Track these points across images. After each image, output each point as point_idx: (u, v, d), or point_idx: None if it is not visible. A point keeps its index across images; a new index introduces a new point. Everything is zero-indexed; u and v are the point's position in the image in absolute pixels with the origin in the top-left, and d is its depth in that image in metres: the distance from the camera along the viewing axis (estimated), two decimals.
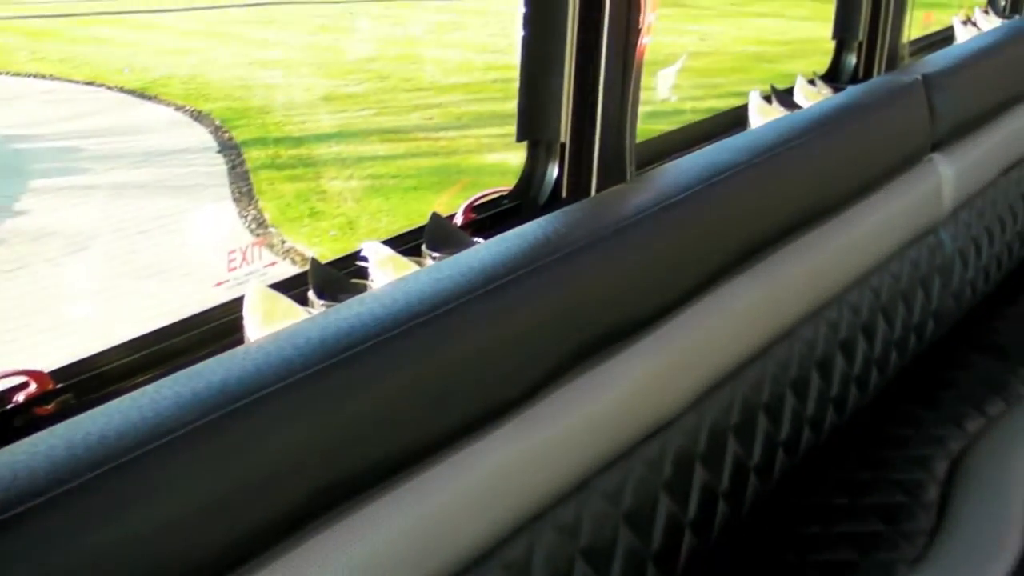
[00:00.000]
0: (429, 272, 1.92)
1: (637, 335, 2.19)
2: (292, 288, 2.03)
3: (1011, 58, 4.12)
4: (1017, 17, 4.86)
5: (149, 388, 1.53)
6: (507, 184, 2.57)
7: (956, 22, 4.51)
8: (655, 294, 2.25)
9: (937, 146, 3.45)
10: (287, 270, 6.18)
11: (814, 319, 2.81)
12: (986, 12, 4.76)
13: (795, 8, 13.82)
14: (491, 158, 8.53)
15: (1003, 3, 5.02)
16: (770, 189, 2.65)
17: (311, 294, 2.02)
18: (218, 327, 1.98)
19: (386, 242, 2.20)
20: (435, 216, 2.28)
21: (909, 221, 3.27)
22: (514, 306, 1.92)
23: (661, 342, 2.25)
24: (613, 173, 2.48)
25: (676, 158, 2.69)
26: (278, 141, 8.88)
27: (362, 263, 2.13)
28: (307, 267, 2.05)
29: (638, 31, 2.52)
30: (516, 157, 2.64)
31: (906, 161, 3.28)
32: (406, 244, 2.25)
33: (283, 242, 7.16)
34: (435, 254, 2.20)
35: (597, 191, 2.46)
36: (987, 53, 3.99)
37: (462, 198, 2.46)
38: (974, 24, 4.56)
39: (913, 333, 3.32)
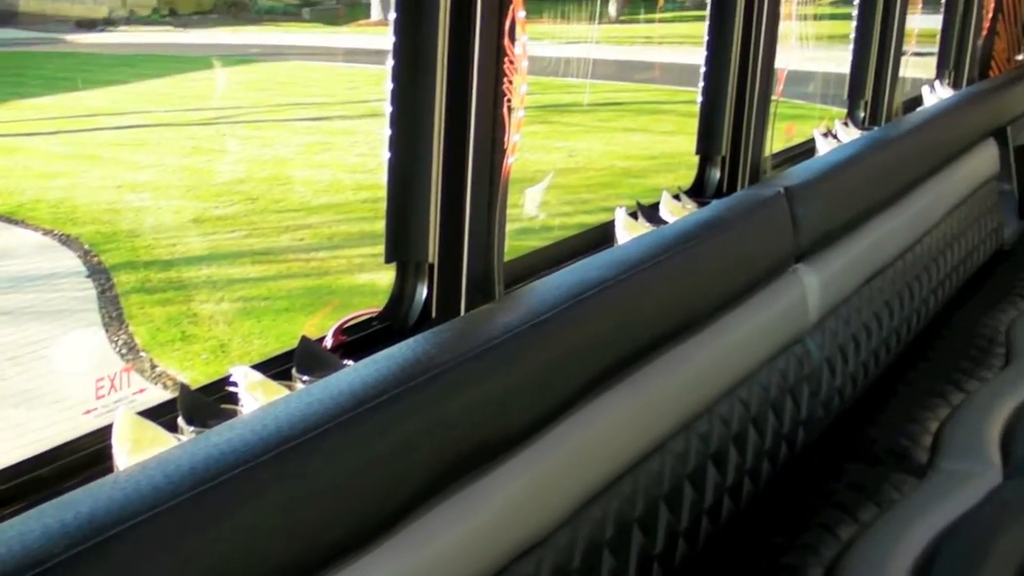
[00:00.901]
0: (299, 396, 1.98)
1: (509, 453, 2.27)
2: (161, 415, 2.08)
3: (871, 169, 4.37)
4: (876, 128, 5.16)
5: (16, 520, 1.56)
6: (378, 304, 2.66)
7: (817, 134, 4.77)
8: (526, 412, 2.34)
9: (801, 257, 3.65)
10: (158, 395, 6.17)
11: (685, 432, 2.93)
12: (846, 124, 5.06)
13: (661, 123, 14.37)
14: (363, 278, 8.66)
15: (862, 115, 5.33)
16: (638, 305, 2.78)
17: (181, 421, 2.07)
18: (86, 456, 2.01)
19: (256, 366, 2.27)
20: (305, 339, 2.35)
21: (776, 331, 3.43)
22: (385, 428, 1.99)
23: (533, 459, 2.33)
24: (482, 292, 2.59)
25: (545, 276, 2.81)
26: (148, 264, 8.90)
27: (232, 388, 2.19)
28: (177, 393, 2.10)
29: (504, 151, 2.66)
30: (388, 277, 2.74)
31: (771, 272, 3.46)
32: (276, 368, 2.32)
33: (154, 367, 7.13)
34: (305, 377, 2.27)
35: (467, 311, 2.56)
36: (848, 164, 4.22)
37: (333, 319, 2.54)
38: (834, 136, 4.83)
39: (784, 442, 3.46)
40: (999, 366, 4.49)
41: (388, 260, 2.61)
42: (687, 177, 4.11)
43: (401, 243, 2.59)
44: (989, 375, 4.39)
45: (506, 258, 2.67)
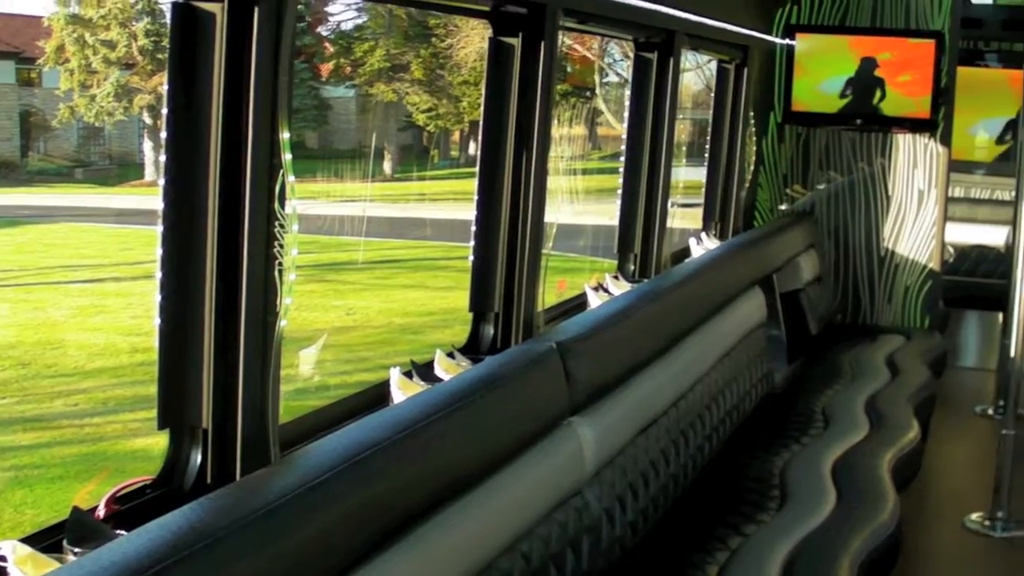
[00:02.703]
0: (69, 570, 2.02)
1: None
2: None
3: (642, 320, 4.64)
4: (646, 280, 5.48)
5: None
6: (154, 470, 2.71)
7: (588, 289, 5.04)
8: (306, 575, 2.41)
9: (576, 410, 3.85)
10: None
11: None
12: (616, 277, 5.36)
13: (438, 279, 14.77)
14: (139, 443, 8.57)
15: (632, 267, 5.66)
16: (415, 464, 2.90)
17: None
18: None
19: (25, 539, 2.28)
20: (76, 510, 2.39)
21: (554, 485, 3.60)
22: None
23: None
24: (258, 456, 2.67)
25: (322, 437, 2.90)
26: None
27: (1, 563, 2.20)
28: None
29: (276, 313, 2.78)
30: (165, 441, 2.79)
31: (547, 427, 3.63)
32: (47, 540, 2.34)
33: None
34: (77, 550, 2.30)
35: (243, 475, 2.64)
36: (619, 317, 4.48)
37: (109, 486, 2.58)
38: (605, 290, 5.12)
39: None
40: (775, 508, 4.76)
41: (161, 426, 2.67)
42: (465, 332, 4.29)
43: (174, 408, 2.65)
44: (766, 517, 4.64)
45: (283, 420, 2.76)
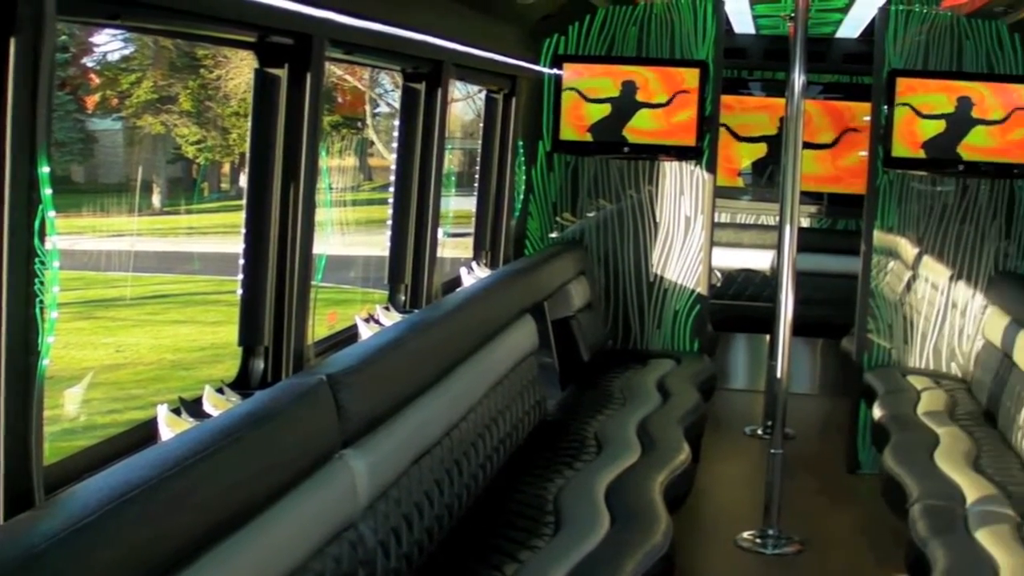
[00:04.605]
0: None
1: None
2: None
3: (413, 351, 4.75)
4: (417, 311, 5.60)
5: None
6: None
7: (359, 320, 5.13)
8: None
9: (348, 442, 3.93)
10: None
11: None
12: (387, 308, 5.47)
13: (209, 314, 14.64)
14: None
15: (403, 299, 5.77)
16: (184, 502, 2.94)
17: None
18: None
19: None
20: None
21: (327, 519, 3.67)
22: None
23: None
24: (21, 500, 2.66)
25: (89, 478, 2.91)
26: None
27: None
28: None
29: (37, 353, 2.79)
30: None
31: (318, 460, 3.71)
32: None
33: None
34: None
35: (5, 520, 2.62)
36: (390, 348, 4.58)
37: None
38: (376, 321, 5.21)
39: None
40: (550, 533, 4.92)
41: None
42: (237, 367, 4.32)
43: None
44: (541, 543, 4.80)
45: (48, 461, 2.76)
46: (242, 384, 4.17)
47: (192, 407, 3.70)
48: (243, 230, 4.34)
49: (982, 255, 8.05)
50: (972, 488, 5.69)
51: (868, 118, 8.18)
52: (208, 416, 3.63)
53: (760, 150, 10.98)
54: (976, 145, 7.73)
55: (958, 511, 5.43)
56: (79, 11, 3.23)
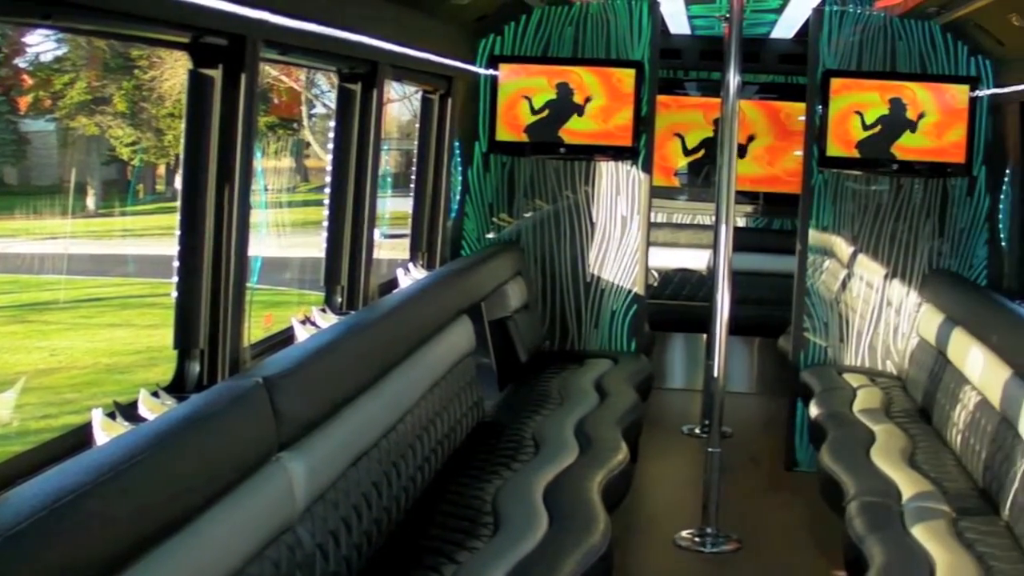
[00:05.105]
0: None
1: None
2: None
3: (350, 353, 4.76)
4: (353, 313, 5.60)
5: None
6: None
7: (295, 322, 5.13)
8: None
9: (285, 445, 3.93)
10: None
11: None
12: (323, 310, 5.46)
13: (145, 317, 14.56)
14: None
15: (339, 300, 5.77)
16: (120, 507, 2.93)
17: None
18: None
19: None
20: None
21: (264, 522, 3.67)
22: None
23: None
24: None
25: (22, 483, 2.89)
26: None
27: None
28: None
29: None
30: None
31: (254, 464, 3.71)
32: None
33: None
34: None
35: None
36: (326, 351, 4.59)
37: None
38: (313, 323, 5.21)
39: None
40: (488, 534, 4.95)
41: None
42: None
43: None
44: (479, 544, 4.83)
45: None
46: (178, 387, 4.16)
47: (127, 411, 3.69)
48: (178, 232, 4.32)
49: (916, 253, 8.17)
50: (908, 485, 5.78)
51: (803, 118, 8.29)
52: (144, 420, 3.62)
53: (697, 151, 11.07)
54: (909, 145, 7.85)
55: (894, 508, 5.52)
56: (10, 11, 3.21)
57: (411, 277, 6.79)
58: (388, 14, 5.98)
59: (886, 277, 8.24)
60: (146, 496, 3.07)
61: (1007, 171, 7.49)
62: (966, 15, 7.24)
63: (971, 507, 5.53)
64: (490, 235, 8.54)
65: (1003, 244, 7.57)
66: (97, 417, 3.52)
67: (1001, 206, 7.65)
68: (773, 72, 10.62)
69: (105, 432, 3.48)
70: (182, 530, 3.19)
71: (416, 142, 7.56)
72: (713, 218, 8.64)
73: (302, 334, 5.03)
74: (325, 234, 5.85)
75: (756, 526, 7.09)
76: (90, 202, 23.07)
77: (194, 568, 3.22)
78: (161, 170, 24.97)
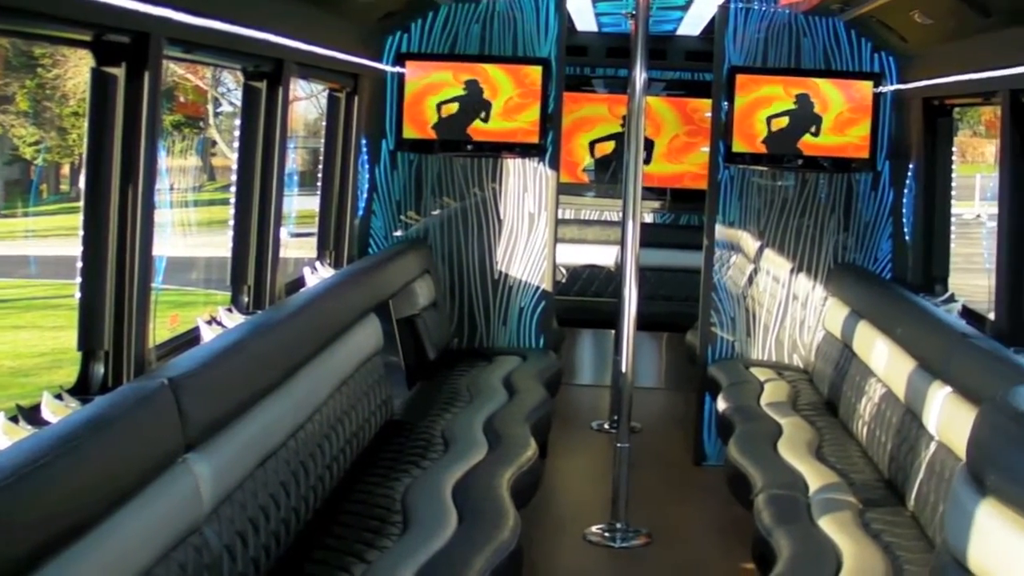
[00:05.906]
0: None
1: None
2: None
3: (256, 353, 4.77)
4: (260, 312, 5.60)
5: None
6: None
7: (201, 322, 5.12)
8: None
9: (191, 446, 3.93)
10: None
11: None
12: (230, 310, 5.45)
13: (50, 319, 14.40)
14: None
15: (246, 300, 5.76)
16: (22, 512, 2.92)
17: None
18: None
19: None
20: None
21: (171, 524, 3.67)
22: None
23: None
24: None
25: None
26: None
27: None
28: None
29: None
30: None
31: (160, 465, 3.71)
32: None
33: None
34: None
35: None
36: (233, 351, 4.59)
37: None
38: (219, 323, 5.20)
39: None
40: (398, 533, 4.98)
41: None
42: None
43: None
44: (388, 543, 4.86)
45: None
46: (82, 390, 4.14)
47: (30, 415, 3.67)
48: (81, 232, 4.30)
49: (822, 248, 8.33)
50: (814, 477, 5.91)
51: (709, 114, 8.42)
52: (47, 423, 3.61)
53: (607, 147, 11.17)
54: (815, 140, 8.00)
55: (801, 500, 5.64)
56: None
57: (318, 276, 6.79)
58: (294, 11, 5.98)
59: (792, 271, 8.39)
60: (50, 501, 3.06)
61: (911, 166, 7.66)
62: (870, 12, 7.40)
63: (877, 498, 5.66)
64: (398, 233, 8.55)
65: (907, 238, 7.75)
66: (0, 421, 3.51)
67: (905, 200, 7.83)
68: (680, 69, 10.76)
69: (7, 436, 3.46)
70: (87, 534, 3.18)
71: (323, 140, 7.55)
72: (620, 214, 8.73)
73: (208, 334, 5.02)
74: (231, 233, 5.84)
75: (666, 520, 7.20)
76: None
77: (100, 571, 3.21)
78: (65, 170, 24.62)
